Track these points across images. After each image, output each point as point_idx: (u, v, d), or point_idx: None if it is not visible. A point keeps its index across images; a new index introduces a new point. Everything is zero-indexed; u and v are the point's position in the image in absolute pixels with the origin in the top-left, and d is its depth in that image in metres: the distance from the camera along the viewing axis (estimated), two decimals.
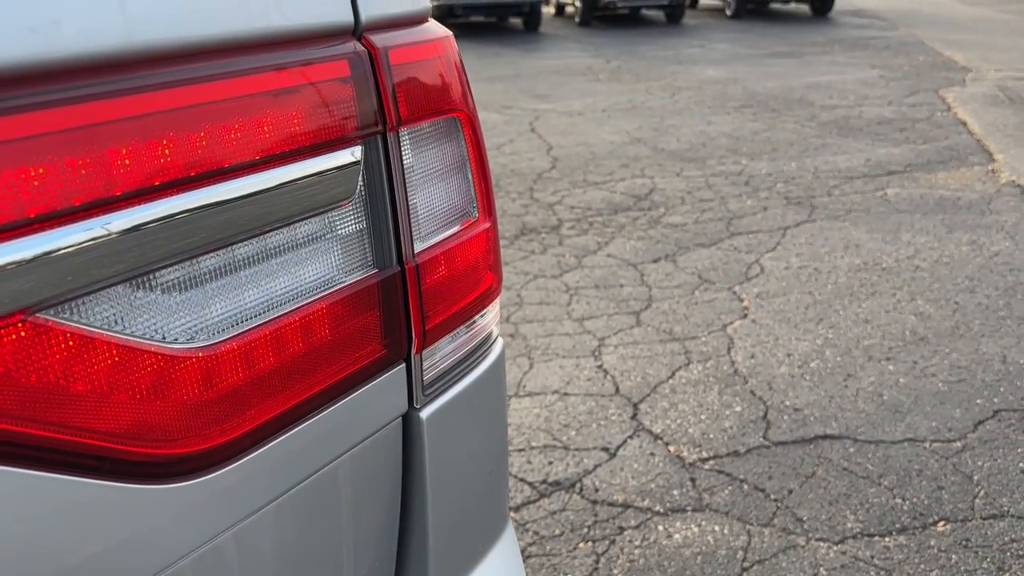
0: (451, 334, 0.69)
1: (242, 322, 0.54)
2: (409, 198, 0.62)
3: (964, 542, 2.06)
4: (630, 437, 2.57)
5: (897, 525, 2.12)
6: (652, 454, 2.47)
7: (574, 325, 3.36)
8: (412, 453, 0.68)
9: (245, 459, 0.54)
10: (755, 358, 2.99)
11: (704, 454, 2.44)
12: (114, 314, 0.47)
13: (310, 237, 0.57)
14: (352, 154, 0.56)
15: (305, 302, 0.57)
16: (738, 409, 2.67)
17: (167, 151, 0.46)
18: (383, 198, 0.60)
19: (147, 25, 0.45)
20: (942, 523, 2.13)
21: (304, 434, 0.58)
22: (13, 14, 0.39)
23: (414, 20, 0.63)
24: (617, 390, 2.84)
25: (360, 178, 0.57)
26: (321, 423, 0.59)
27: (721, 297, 3.53)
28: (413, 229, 0.63)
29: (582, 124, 7.03)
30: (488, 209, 0.71)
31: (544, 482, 2.39)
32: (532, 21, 14.07)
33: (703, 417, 2.64)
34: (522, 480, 2.39)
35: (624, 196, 5.02)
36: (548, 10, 16.64)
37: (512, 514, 2.27)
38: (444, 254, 0.66)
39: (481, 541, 0.80)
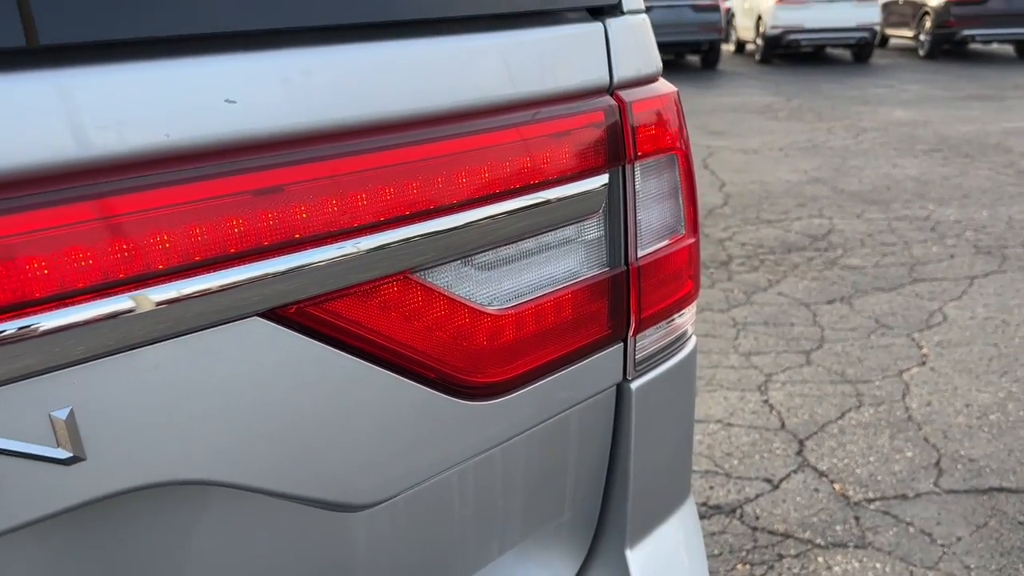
0: (657, 325, 0.86)
1: (519, 297, 0.73)
2: (637, 215, 0.81)
3: None
4: (794, 471, 2.60)
5: None
6: (816, 490, 2.50)
7: (740, 359, 3.41)
8: (621, 416, 0.86)
9: (514, 395, 0.73)
10: (931, 406, 2.93)
11: (870, 494, 2.44)
12: (450, 279, 0.68)
13: (566, 240, 0.76)
14: (602, 180, 0.75)
15: (559, 287, 0.76)
16: (909, 454, 2.64)
17: (487, 174, 0.67)
18: (619, 214, 0.79)
19: (489, 90, 0.66)
20: None
21: (550, 385, 0.77)
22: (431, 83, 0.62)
23: (651, 79, 0.82)
24: (783, 425, 2.87)
25: (605, 196, 0.77)
26: (562, 379, 0.78)
27: (899, 343, 3.46)
28: (638, 239, 0.81)
29: (758, 162, 6.99)
30: (694, 228, 0.88)
31: (704, 504, 2.48)
32: (710, 58, 14.05)
33: (872, 459, 2.63)
34: None
35: (799, 235, 4.98)
36: (727, 47, 16.54)
37: None
38: (658, 260, 0.84)
39: (669, 501, 0.96)
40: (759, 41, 14.37)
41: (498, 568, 0.86)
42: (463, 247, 0.66)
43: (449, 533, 0.75)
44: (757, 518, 2.38)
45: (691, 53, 14.45)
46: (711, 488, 2.55)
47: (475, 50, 0.68)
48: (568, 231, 0.75)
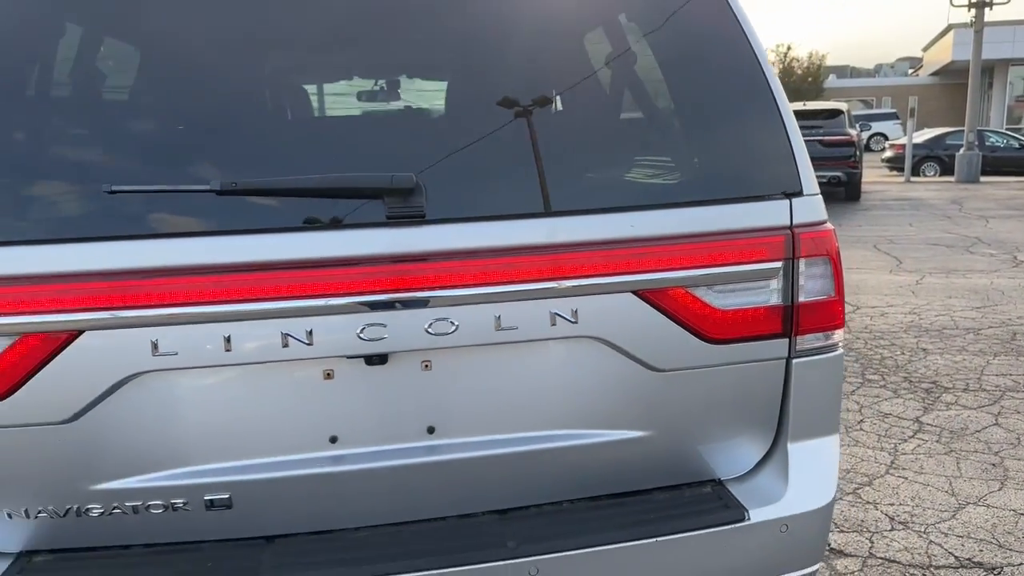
0: (811, 335, 1.82)
1: (733, 306, 1.76)
2: (799, 281, 1.79)
3: None
4: None
5: None
6: None
7: None
8: (788, 377, 1.82)
9: (729, 346, 1.77)
10: None
11: None
12: (702, 293, 1.71)
13: (760, 287, 1.77)
14: (777, 265, 1.74)
15: (755, 306, 1.77)
16: None
17: (725, 256, 1.72)
18: (789, 280, 1.77)
19: (730, 224, 1.76)
20: None
21: (747, 346, 1.77)
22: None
23: (818, 223, 1.81)
24: None
25: (780, 271, 1.77)
26: (753, 346, 1.76)
27: None
28: (799, 292, 1.78)
29: None
30: (839, 293, 1.82)
31: (969, 559, 3.02)
32: None
33: None
34: (949, 552, 3.06)
35: None
36: None
37: (929, 570, 2.96)
38: (813, 304, 1.80)
39: (818, 429, 1.82)
40: None
41: (725, 447, 1.88)
42: (707, 282, 1.74)
43: (696, 404, 1.80)
44: None
45: None
46: (980, 551, 3.06)
47: (728, 214, 1.78)
48: (760, 283, 1.78)
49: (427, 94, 3.15)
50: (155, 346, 1.54)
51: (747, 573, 1.80)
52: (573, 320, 1.69)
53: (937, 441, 4.14)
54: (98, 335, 1.53)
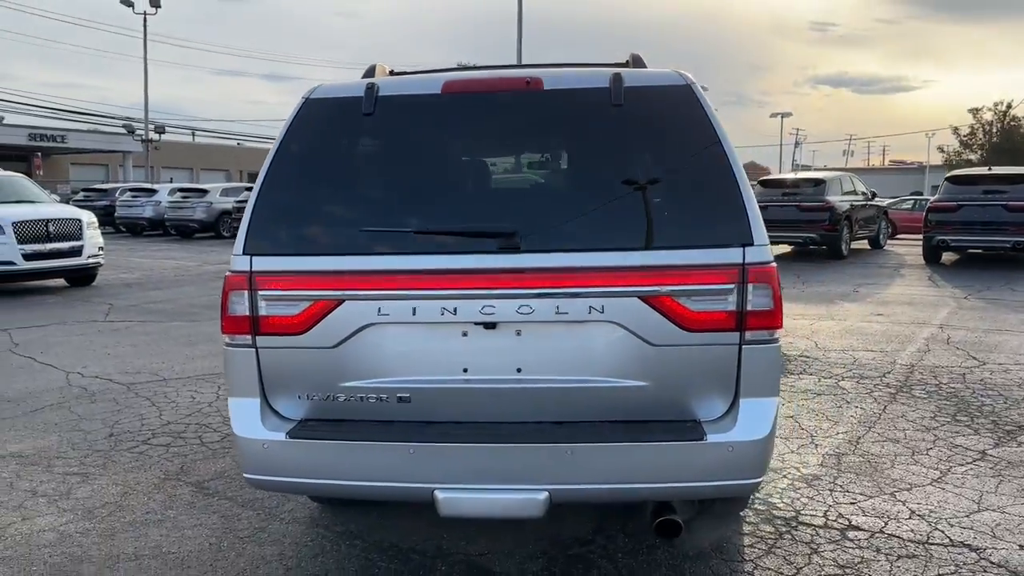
0: (755, 331, 2.89)
1: (702, 310, 2.87)
2: (748, 297, 2.87)
3: None
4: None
5: None
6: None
7: None
8: (740, 358, 2.87)
9: (697, 334, 2.87)
10: None
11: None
12: (683, 300, 2.84)
13: (720, 299, 2.86)
14: (734, 286, 2.81)
15: (717, 310, 2.89)
16: None
17: (691, 279, 2.86)
18: (741, 296, 2.86)
19: (697, 261, 2.91)
20: None
21: (711, 335, 2.85)
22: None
23: (765, 261, 2.87)
24: None
25: (735, 290, 2.86)
26: (715, 335, 2.84)
27: None
28: (747, 304, 2.84)
29: None
30: (777, 307, 2.87)
31: (961, 543, 3.82)
32: None
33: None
34: (947, 536, 3.87)
35: None
36: None
37: (923, 546, 3.80)
38: (756, 312, 2.84)
39: (762, 391, 2.87)
40: None
41: (701, 400, 3.00)
42: (686, 294, 2.88)
43: (678, 368, 2.92)
44: (960, 542, 3.67)
45: None
46: (973, 538, 3.85)
47: (702, 254, 2.93)
48: (721, 297, 2.91)
49: (530, 169, 4.52)
50: (379, 310, 2.99)
51: (709, 474, 2.94)
52: (601, 311, 2.95)
53: (991, 468, 4.82)
54: (352, 303, 3.01)
